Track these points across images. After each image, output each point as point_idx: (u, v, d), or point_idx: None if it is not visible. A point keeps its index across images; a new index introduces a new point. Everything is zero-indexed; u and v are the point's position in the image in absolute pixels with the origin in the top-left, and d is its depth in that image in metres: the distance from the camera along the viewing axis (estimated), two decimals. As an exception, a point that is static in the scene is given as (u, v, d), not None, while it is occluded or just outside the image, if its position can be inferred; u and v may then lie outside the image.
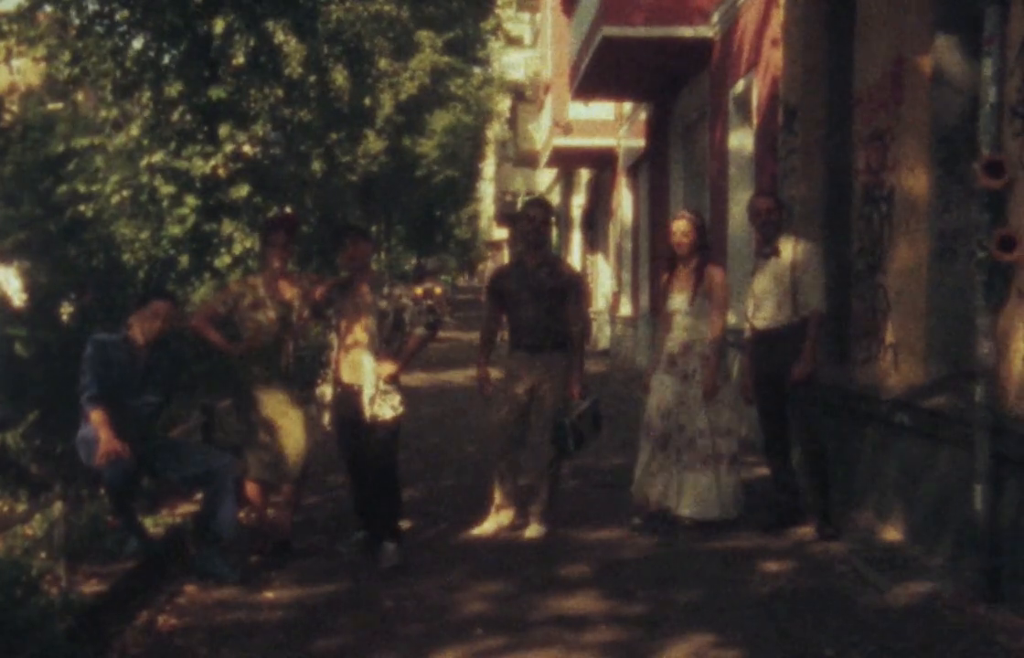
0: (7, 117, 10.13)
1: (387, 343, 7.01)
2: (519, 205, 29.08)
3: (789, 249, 7.53)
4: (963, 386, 6.71)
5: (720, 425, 7.60)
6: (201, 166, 12.44)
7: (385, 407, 6.91)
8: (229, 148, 12.63)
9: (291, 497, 7.27)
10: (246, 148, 13.08)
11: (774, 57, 10.80)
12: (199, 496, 7.21)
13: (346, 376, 7.04)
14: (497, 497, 7.77)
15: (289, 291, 7.18)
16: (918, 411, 7.05)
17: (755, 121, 11.83)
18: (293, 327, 7.18)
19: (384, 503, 7.12)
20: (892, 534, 7.35)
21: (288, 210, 13.15)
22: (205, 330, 7.14)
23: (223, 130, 12.56)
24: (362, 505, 7.39)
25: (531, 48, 38.29)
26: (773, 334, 7.53)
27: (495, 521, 7.74)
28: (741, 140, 12.60)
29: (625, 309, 22.19)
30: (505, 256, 56.15)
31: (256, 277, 7.35)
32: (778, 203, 7.91)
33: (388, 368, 6.92)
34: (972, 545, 6.04)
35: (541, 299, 7.58)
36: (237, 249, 12.65)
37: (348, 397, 7.02)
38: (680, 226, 7.74)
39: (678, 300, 7.70)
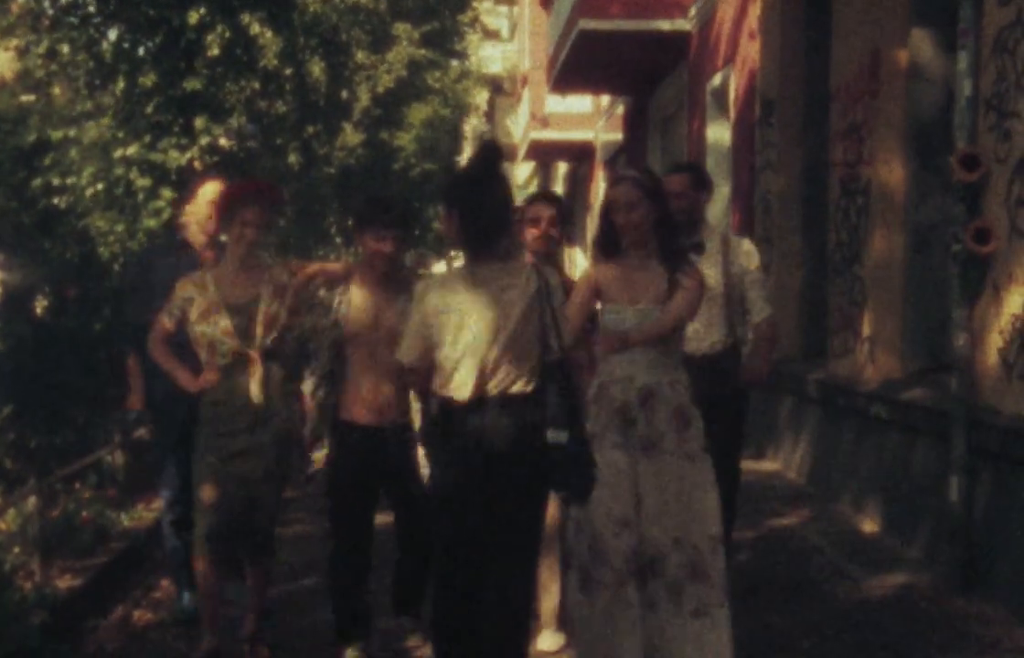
0: (-21, 109, 10.04)
1: None
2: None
3: (716, 245, 5.53)
4: (939, 379, 6.75)
5: (709, 527, 4.45)
6: (177, 158, 12.34)
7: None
8: (205, 141, 12.54)
9: (256, 583, 5.27)
10: (222, 141, 13.00)
11: (751, 50, 10.82)
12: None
13: (364, 415, 4.95)
14: None
15: (252, 289, 5.04)
16: (894, 404, 7.08)
17: (732, 114, 11.85)
18: (259, 339, 5.00)
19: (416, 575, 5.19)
20: (869, 526, 7.38)
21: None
22: (162, 358, 5.14)
23: (199, 122, 12.48)
24: (356, 608, 5.13)
25: (509, 41, 38.26)
26: (702, 362, 5.30)
27: None
28: (718, 133, 12.62)
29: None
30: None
31: (207, 274, 5.14)
32: (698, 181, 5.67)
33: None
34: (948, 536, 6.07)
35: None
36: (213, 243, 12.59)
37: (366, 443, 4.95)
38: (623, 193, 4.51)
39: (631, 314, 4.49)
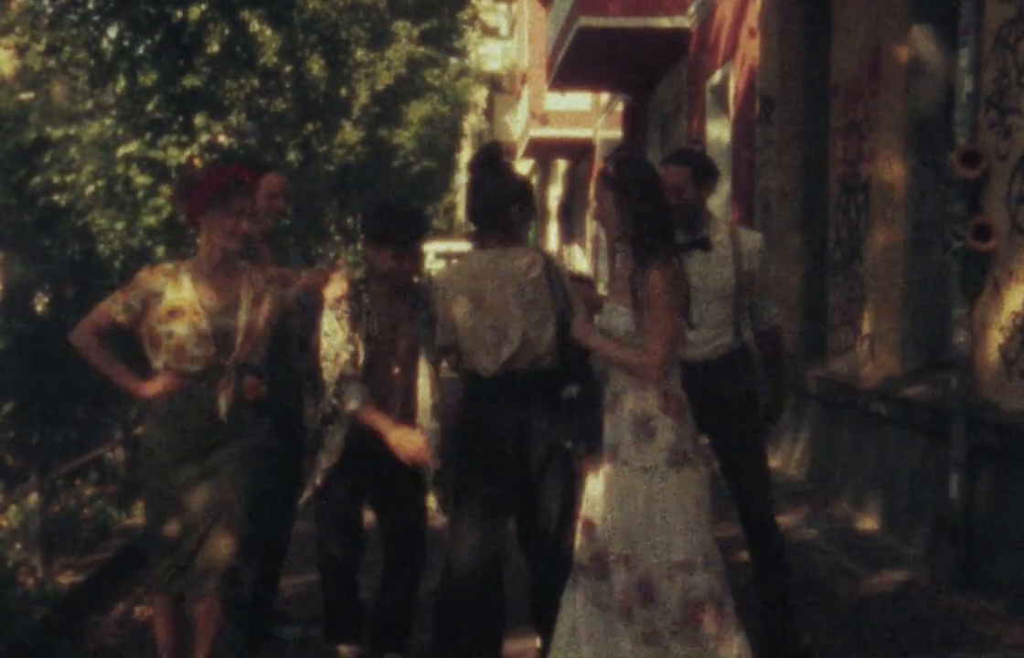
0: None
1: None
2: None
3: (726, 241, 4.81)
4: (939, 376, 6.76)
5: (667, 552, 3.90)
6: (176, 156, 12.36)
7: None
8: (204, 138, 12.57)
9: (210, 624, 4.44)
10: (221, 138, 13.02)
11: (751, 47, 10.82)
12: None
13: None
14: None
15: (231, 292, 4.40)
16: (894, 401, 7.08)
17: (732, 112, 11.85)
18: (238, 348, 4.37)
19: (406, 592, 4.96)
20: (869, 523, 7.39)
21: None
22: (92, 352, 4.30)
23: (198, 120, 12.50)
24: (352, 611, 4.95)
25: (508, 39, 38.28)
26: (708, 367, 4.69)
27: None
28: (718, 131, 12.62)
29: (602, 300, 22.25)
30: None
31: (180, 268, 4.43)
32: (698, 172, 4.83)
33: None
34: (948, 534, 6.08)
35: None
36: (213, 239, 12.59)
37: (360, 443, 4.59)
38: (592, 187, 4.13)
39: (613, 317, 4.09)
